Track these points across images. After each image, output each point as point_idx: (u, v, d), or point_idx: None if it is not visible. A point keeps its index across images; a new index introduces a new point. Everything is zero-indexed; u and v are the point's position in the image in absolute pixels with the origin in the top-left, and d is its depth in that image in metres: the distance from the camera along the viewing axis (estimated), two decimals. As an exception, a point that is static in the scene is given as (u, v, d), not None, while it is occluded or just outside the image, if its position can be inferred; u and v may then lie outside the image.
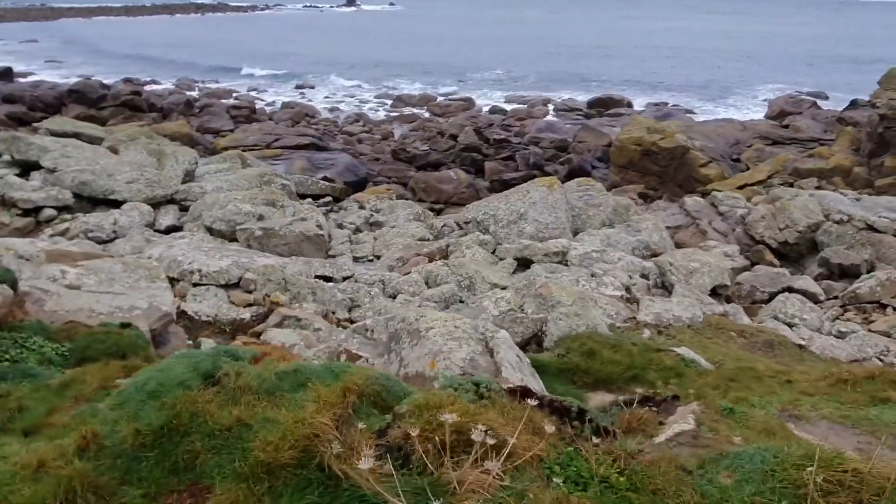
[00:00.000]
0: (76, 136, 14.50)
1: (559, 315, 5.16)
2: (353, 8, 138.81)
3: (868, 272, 11.67)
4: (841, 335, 8.55)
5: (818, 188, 20.00)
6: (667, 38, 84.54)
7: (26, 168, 12.74)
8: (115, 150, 14.08)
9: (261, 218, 11.52)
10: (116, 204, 12.04)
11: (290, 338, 5.97)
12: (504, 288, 8.13)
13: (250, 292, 7.48)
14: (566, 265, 9.07)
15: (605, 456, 1.74)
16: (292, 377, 2.03)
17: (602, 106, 43.08)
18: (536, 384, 3.88)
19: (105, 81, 41.84)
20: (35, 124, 15.40)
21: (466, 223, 10.95)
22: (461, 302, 7.70)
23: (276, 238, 10.59)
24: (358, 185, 21.98)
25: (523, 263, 9.20)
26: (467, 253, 9.48)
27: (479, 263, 8.81)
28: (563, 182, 26.55)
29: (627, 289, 8.01)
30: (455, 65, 59.51)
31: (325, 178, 19.39)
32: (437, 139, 33.62)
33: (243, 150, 22.81)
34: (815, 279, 11.88)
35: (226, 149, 22.60)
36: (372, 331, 6.26)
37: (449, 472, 1.54)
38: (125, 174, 12.31)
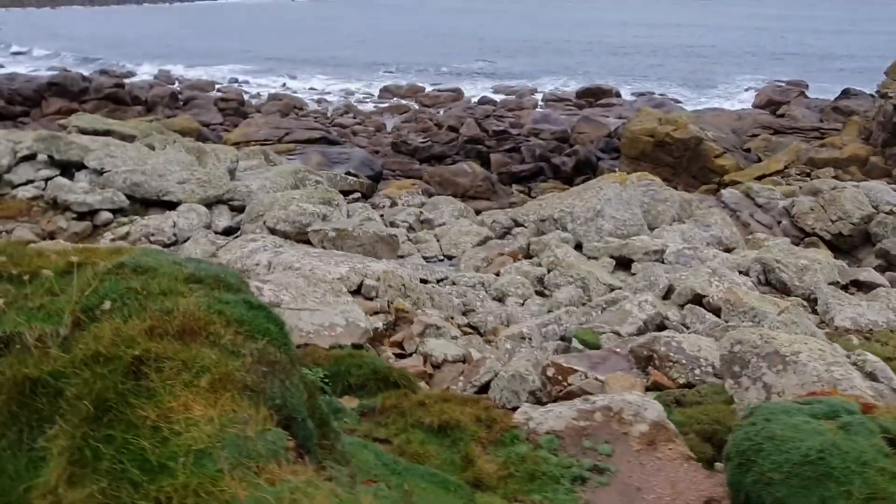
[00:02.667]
0: (107, 133, 13.89)
1: (775, 324, 5.04)
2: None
3: (928, 263, 11.84)
4: (938, 328, 8.62)
5: (835, 178, 20.32)
6: (643, 29, 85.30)
7: (66, 168, 12.16)
8: (151, 148, 13.54)
9: (325, 218, 11.18)
10: (170, 205, 11.58)
11: (451, 349, 5.71)
12: (619, 288, 7.99)
13: (371, 299, 7.19)
14: (663, 263, 8.98)
15: None
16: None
17: (591, 96, 42.96)
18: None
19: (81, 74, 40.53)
20: (61, 122, 14.73)
21: (542, 221, 10.77)
22: (583, 305, 7.55)
23: (350, 239, 10.27)
24: (374, 180, 21.63)
25: (621, 262, 9.08)
26: (558, 252, 9.31)
27: (587, 263, 8.66)
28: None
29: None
30: (434, 56, 59.09)
31: (348, 174, 19.01)
32: (436, 131, 33.28)
33: (254, 146, 22.27)
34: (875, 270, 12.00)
35: (236, 144, 22.01)
36: (530, 338, 6.06)
37: None
38: (175, 174, 11.84)
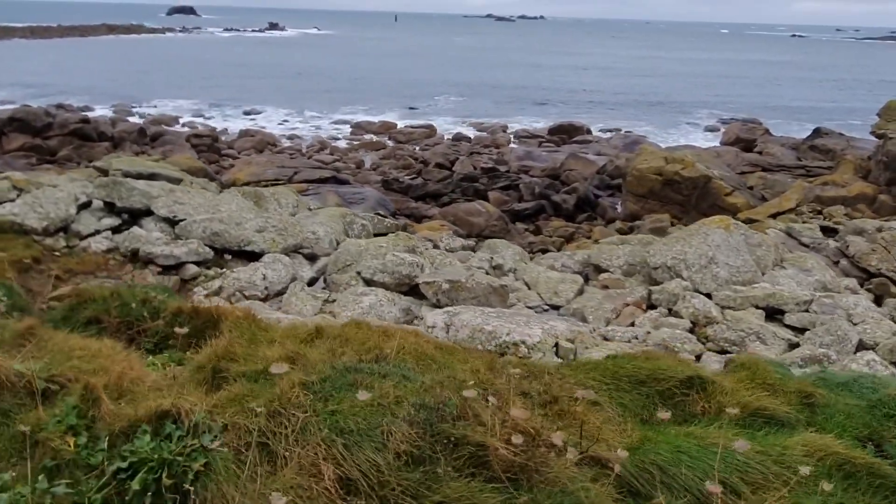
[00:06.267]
0: (152, 176, 12.91)
1: None
2: (278, 32, 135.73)
3: None
4: None
5: (846, 215, 20.89)
6: (595, 73, 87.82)
7: (127, 214, 11.17)
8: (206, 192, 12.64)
9: (421, 268, 10.58)
10: (250, 255, 10.72)
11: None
12: (796, 344, 7.71)
13: (568, 363, 6.66)
14: (808, 312, 8.78)
15: None
16: None
17: (563, 133, 43.38)
18: None
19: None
20: (97, 164, 13.61)
21: (655, 269, 10.47)
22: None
23: (464, 291, 9.69)
24: (390, 220, 21.03)
25: (769, 313, 8.81)
26: (695, 302, 9.00)
27: (754, 315, 8.36)
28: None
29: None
30: (400, 91, 59.05)
31: (378, 214, 18.36)
32: (420, 168, 32.95)
33: (264, 185, 21.34)
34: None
35: (247, 184, 20.99)
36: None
37: None
38: (251, 222, 10.99)
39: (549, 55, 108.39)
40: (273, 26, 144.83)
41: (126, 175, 12.68)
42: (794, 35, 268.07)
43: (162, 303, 3.09)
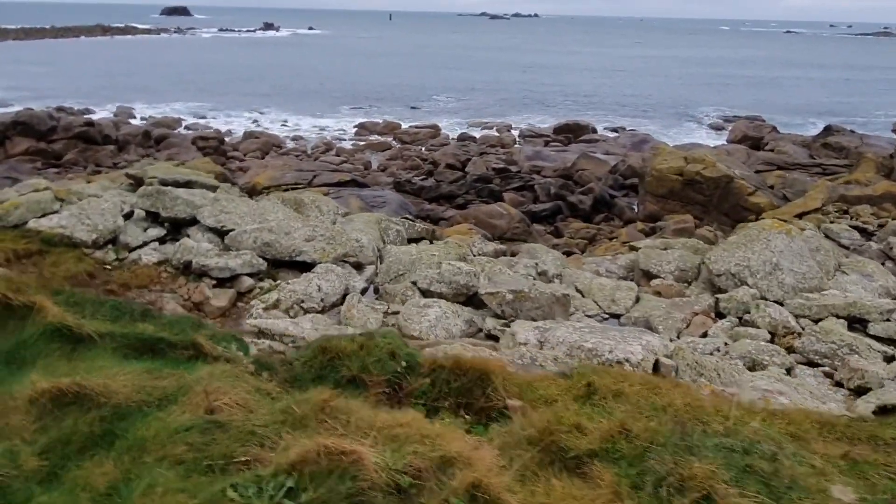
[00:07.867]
0: (188, 184, 12.55)
1: None
2: (273, 32, 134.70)
3: None
4: None
5: (874, 215, 20.74)
6: (587, 73, 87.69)
7: (169, 224, 10.81)
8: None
9: (478, 278, 10.29)
10: (301, 266, 10.40)
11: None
12: (892, 357, 7.48)
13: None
14: (889, 322, 8.56)
15: None
16: None
17: (569, 132, 43.14)
18: None
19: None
20: (129, 172, 13.23)
21: (719, 276, 10.22)
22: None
23: (528, 301, 9.41)
24: (413, 224, 20.71)
25: (851, 322, 8.58)
26: (770, 311, 8.77)
27: (836, 324, 8.12)
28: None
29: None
30: (400, 91, 58.67)
31: (406, 219, 18.05)
32: (430, 169, 32.64)
33: (284, 190, 21.00)
34: None
35: (267, 188, 20.66)
36: None
37: None
38: (299, 231, 10.66)
39: (546, 53, 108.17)
40: (268, 26, 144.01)
41: (163, 183, 12.31)
42: (787, 31, 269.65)
43: (412, 356, 2.78)
